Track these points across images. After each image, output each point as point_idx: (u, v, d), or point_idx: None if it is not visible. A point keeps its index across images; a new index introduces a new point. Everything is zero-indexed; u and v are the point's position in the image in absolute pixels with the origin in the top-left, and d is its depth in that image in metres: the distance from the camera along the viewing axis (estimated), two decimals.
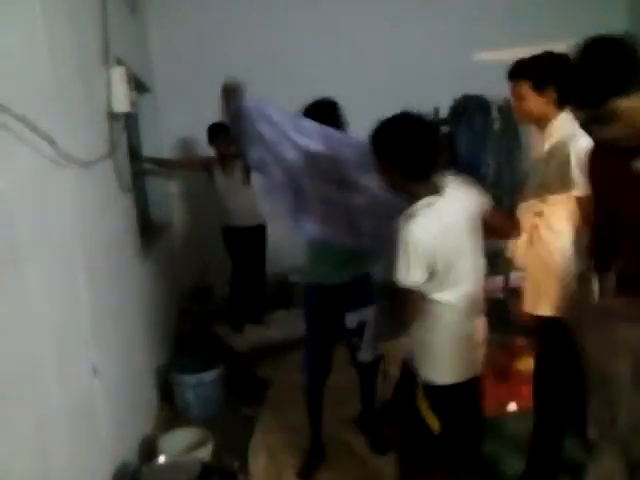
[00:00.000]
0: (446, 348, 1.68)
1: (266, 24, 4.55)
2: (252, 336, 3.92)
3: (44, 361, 1.49)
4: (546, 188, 1.83)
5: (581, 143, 1.70)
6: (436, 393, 1.70)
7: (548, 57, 1.85)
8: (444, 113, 4.14)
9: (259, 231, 3.99)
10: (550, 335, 1.87)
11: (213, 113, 3.96)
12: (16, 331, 1.33)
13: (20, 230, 1.38)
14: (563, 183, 1.76)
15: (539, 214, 1.85)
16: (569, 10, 4.61)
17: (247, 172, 3.85)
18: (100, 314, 1.98)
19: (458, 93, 3.88)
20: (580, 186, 1.71)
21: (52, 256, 1.60)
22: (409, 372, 1.79)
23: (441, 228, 1.59)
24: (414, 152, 1.58)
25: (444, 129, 4.09)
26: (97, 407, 1.91)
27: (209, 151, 3.95)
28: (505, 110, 3.80)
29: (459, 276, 1.65)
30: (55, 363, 1.55)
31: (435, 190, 1.62)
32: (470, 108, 3.94)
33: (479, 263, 1.73)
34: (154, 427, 2.69)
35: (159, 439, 2.40)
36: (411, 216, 1.56)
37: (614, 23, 4.79)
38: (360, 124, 4.97)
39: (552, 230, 1.83)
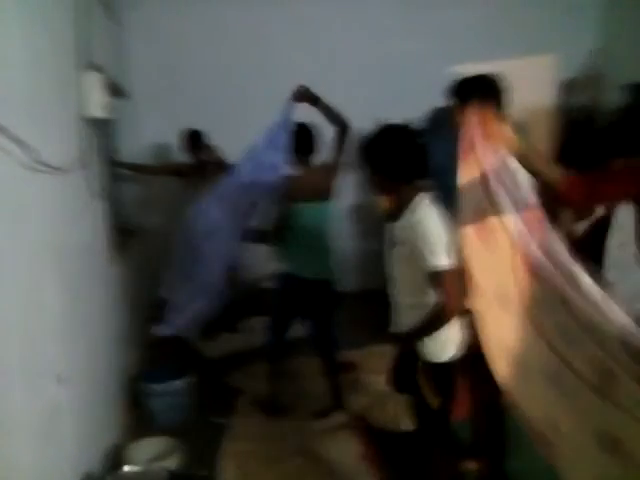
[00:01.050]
0: (453, 328, 1.78)
1: (245, 32, 4.57)
2: (224, 344, 3.90)
3: (9, 368, 1.47)
4: None
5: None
6: (441, 370, 1.81)
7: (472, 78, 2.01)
8: (418, 125, 4.22)
9: None
10: None
11: (191, 119, 3.99)
12: None
13: None
14: None
15: None
16: (544, 27, 4.74)
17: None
18: (68, 321, 1.96)
19: (432, 105, 3.96)
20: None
21: (21, 262, 1.59)
22: (407, 355, 1.87)
23: (438, 218, 1.73)
24: (400, 159, 1.75)
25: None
26: (62, 416, 1.88)
27: (185, 157, 3.95)
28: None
29: None
30: (20, 370, 1.54)
31: (419, 192, 1.77)
32: (443, 120, 4.01)
33: None
34: (121, 436, 2.65)
35: (126, 448, 2.37)
36: (415, 211, 1.72)
37: (585, 41, 4.97)
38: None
39: None
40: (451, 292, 1.65)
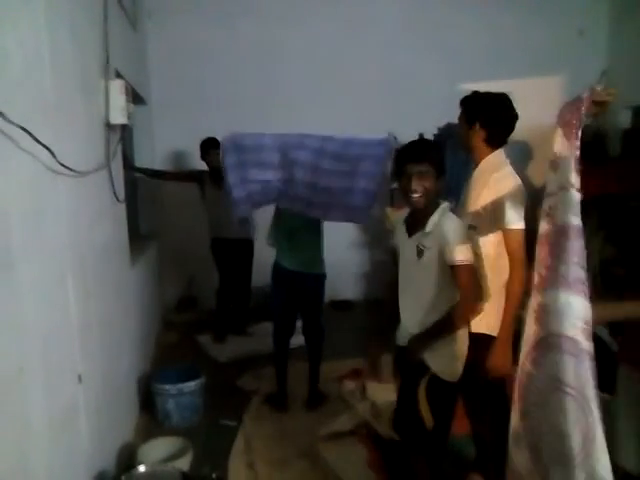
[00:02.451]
0: (463, 347, 1.91)
1: (260, 45, 4.67)
2: (235, 347, 3.94)
3: (30, 367, 1.49)
4: (476, 216, 1.98)
5: (514, 181, 1.92)
6: (447, 389, 1.90)
7: (483, 97, 2.03)
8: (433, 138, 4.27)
9: (246, 244, 4.04)
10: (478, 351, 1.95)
11: (206, 127, 4.07)
12: (4, 335, 1.34)
13: (15, 236, 1.41)
14: (496, 217, 1.93)
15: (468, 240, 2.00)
16: (552, 46, 4.81)
17: None
18: (87, 322, 2.00)
19: (443, 121, 4.01)
20: (512, 221, 1.89)
21: (44, 263, 1.63)
22: (413, 370, 1.93)
23: None
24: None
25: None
26: (79, 415, 1.91)
27: (201, 164, 4.01)
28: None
29: None
30: (41, 369, 1.56)
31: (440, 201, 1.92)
32: (453, 136, 4.05)
33: None
34: (134, 436, 2.70)
35: (139, 448, 2.41)
36: (442, 214, 1.87)
37: (593, 62, 5.04)
38: None
39: (478, 256, 1.97)
40: (468, 285, 1.82)
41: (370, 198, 2.49)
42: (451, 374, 1.89)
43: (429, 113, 4.04)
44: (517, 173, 1.99)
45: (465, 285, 1.82)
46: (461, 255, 1.80)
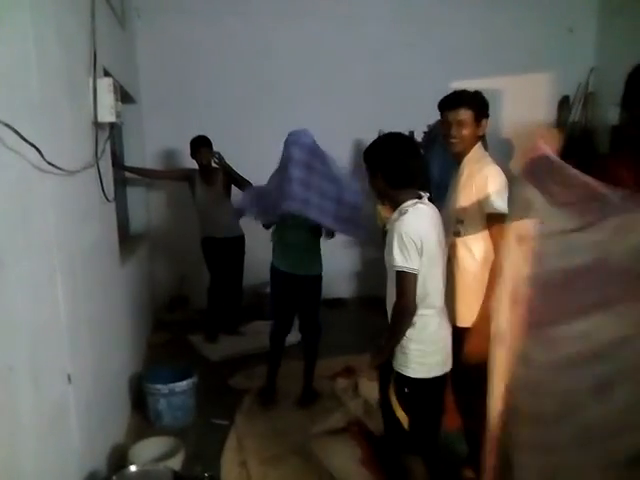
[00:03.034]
0: (429, 346, 1.85)
1: (250, 43, 4.66)
2: (226, 346, 3.94)
3: (19, 366, 1.49)
4: (464, 210, 2.04)
5: (494, 169, 1.99)
6: (414, 385, 1.85)
7: (482, 95, 2.09)
8: (419, 137, 4.29)
9: (237, 242, 4.03)
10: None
11: (196, 125, 4.06)
12: None
13: (1, 234, 1.39)
14: (480, 203, 1.99)
15: (457, 234, 2.07)
16: (541, 43, 4.85)
17: (228, 185, 3.91)
18: (77, 321, 1.99)
19: (433, 119, 4.04)
20: (496, 205, 1.93)
21: (33, 262, 1.61)
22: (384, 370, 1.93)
23: (425, 226, 1.79)
24: (396, 164, 1.83)
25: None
26: (69, 415, 1.90)
27: (191, 162, 4.00)
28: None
29: (436, 282, 1.84)
30: (30, 369, 1.55)
31: (415, 198, 1.83)
32: (437, 135, 4.08)
33: (443, 279, 1.90)
34: (125, 436, 2.69)
35: (130, 448, 2.40)
36: (402, 213, 1.79)
37: (582, 59, 5.09)
38: (341, 142, 5.12)
39: (467, 248, 2.05)
40: (404, 292, 1.76)
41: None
42: (404, 368, 1.85)
43: (420, 111, 4.05)
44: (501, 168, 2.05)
45: (399, 292, 1.77)
46: (399, 261, 1.74)
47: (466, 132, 2.04)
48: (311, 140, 2.75)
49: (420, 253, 1.74)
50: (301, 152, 2.69)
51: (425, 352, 1.84)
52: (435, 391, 1.91)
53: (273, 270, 3.04)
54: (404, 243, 1.73)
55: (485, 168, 2.01)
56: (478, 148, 2.10)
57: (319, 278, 3.04)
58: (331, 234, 2.96)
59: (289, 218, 2.81)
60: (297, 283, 2.96)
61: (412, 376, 1.83)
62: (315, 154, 2.74)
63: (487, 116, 2.07)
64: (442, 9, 4.81)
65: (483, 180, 1.99)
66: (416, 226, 1.76)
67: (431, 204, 1.89)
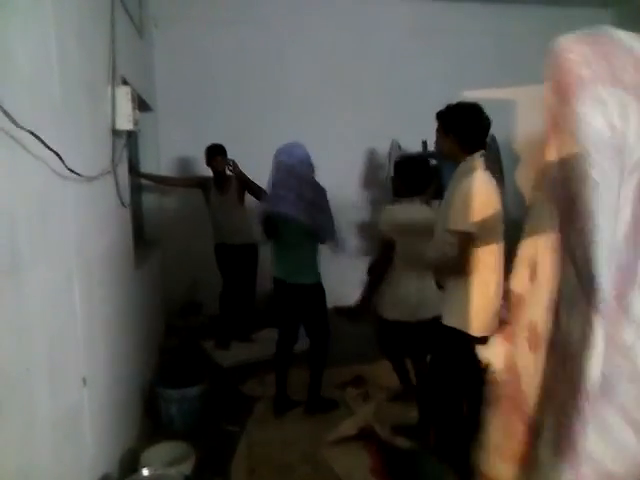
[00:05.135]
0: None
1: (264, 53, 4.71)
2: (238, 353, 3.95)
3: (36, 369, 1.50)
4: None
5: (475, 185, 2.01)
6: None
7: (457, 108, 2.18)
8: (431, 147, 4.29)
9: (251, 250, 4.05)
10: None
11: (211, 133, 4.10)
12: (11, 338, 1.35)
13: (22, 239, 1.42)
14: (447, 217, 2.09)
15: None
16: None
17: (242, 192, 3.94)
18: (93, 325, 2.01)
19: None
20: (453, 223, 2.03)
21: (51, 267, 1.64)
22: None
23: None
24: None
25: (432, 162, 4.24)
26: (83, 418, 1.92)
27: (206, 170, 4.04)
28: (489, 146, 3.95)
29: None
30: (46, 372, 1.57)
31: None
32: None
33: None
34: (137, 440, 2.70)
35: (142, 452, 2.41)
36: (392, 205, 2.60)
37: None
38: (354, 151, 5.12)
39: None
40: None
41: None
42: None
43: (433, 120, 4.06)
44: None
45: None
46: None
47: (439, 141, 2.22)
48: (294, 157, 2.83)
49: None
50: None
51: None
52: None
53: (273, 278, 3.09)
54: (384, 221, 2.55)
55: (464, 182, 2.07)
56: (466, 162, 2.14)
57: (315, 286, 3.00)
58: (331, 241, 2.99)
59: (280, 225, 2.87)
60: (292, 291, 2.98)
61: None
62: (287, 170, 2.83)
63: (455, 133, 2.13)
64: (455, 19, 4.83)
65: (454, 196, 2.07)
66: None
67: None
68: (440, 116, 2.22)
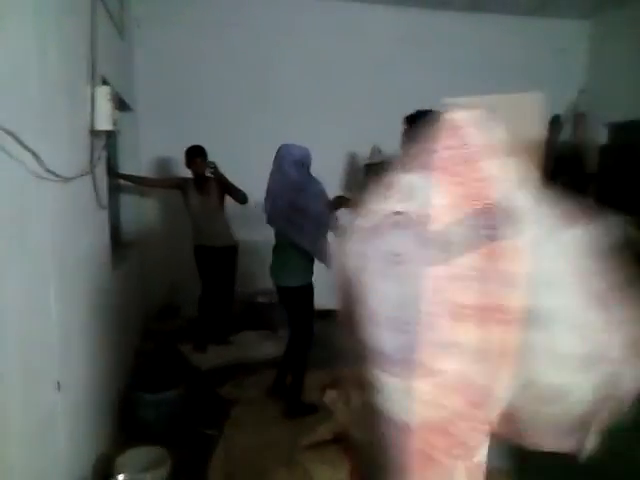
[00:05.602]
0: None
1: (248, 54, 4.71)
2: (215, 356, 3.92)
3: (9, 372, 1.48)
4: None
5: None
6: None
7: (425, 114, 2.20)
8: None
9: (230, 252, 4.04)
10: None
11: (192, 135, 4.08)
12: None
13: None
14: None
15: None
16: (533, 63, 4.96)
17: (222, 194, 3.93)
18: (67, 328, 1.98)
19: None
20: None
21: (27, 268, 1.62)
22: None
23: None
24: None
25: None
26: (57, 422, 1.89)
27: (186, 172, 4.01)
28: None
29: None
30: (20, 375, 1.55)
31: None
32: None
33: None
34: (112, 445, 2.66)
35: (117, 457, 2.37)
36: None
37: (573, 80, 5.19)
38: (334, 155, 5.15)
39: None
40: None
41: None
42: None
43: None
44: None
45: None
46: None
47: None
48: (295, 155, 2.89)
49: None
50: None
51: None
52: None
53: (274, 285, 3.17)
54: None
55: None
56: None
57: (300, 289, 3.00)
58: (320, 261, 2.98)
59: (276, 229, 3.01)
60: (281, 293, 3.08)
61: None
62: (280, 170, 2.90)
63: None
64: (440, 27, 4.91)
65: None
66: None
67: None
68: (408, 120, 2.26)
